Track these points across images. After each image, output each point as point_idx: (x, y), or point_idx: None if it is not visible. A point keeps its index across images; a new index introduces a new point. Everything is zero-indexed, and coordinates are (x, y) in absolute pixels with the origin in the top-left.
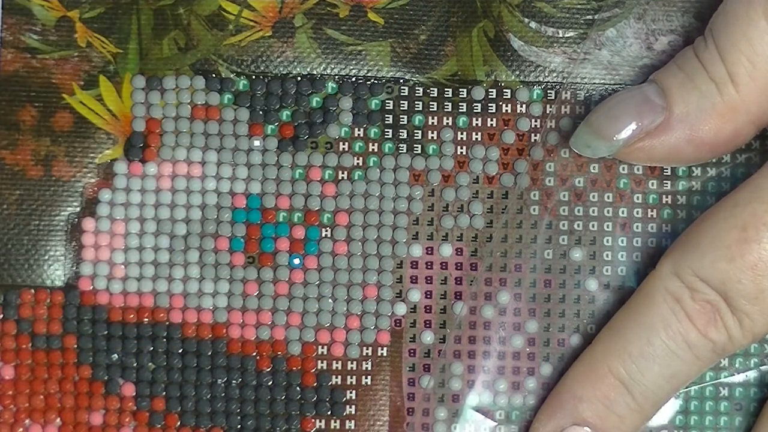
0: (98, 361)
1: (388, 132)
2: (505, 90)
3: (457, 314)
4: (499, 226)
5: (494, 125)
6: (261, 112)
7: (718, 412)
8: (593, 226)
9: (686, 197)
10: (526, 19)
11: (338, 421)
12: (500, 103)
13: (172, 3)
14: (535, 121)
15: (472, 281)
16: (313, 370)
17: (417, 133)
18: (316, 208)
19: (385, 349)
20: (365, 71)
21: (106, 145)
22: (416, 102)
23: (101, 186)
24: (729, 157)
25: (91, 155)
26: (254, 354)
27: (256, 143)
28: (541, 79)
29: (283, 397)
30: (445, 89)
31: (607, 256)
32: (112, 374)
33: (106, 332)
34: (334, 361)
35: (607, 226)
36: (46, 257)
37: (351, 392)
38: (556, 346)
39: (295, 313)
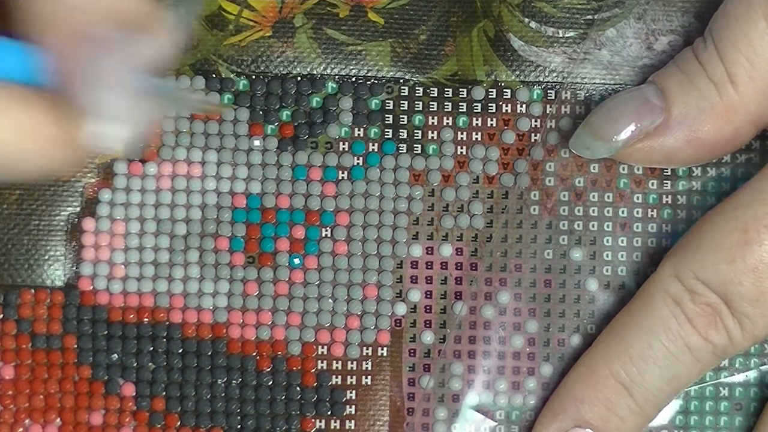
0: (98, 361)
1: (388, 132)
2: (505, 90)
3: (457, 314)
4: (499, 226)
5: (494, 125)
6: (261, 112)
7: (718, 412)
8: (593, 226)
9: (686, 197)
10: (526, 19)
11: (338, 421)
12: (500, 103)
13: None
14: (535, 121)
15: (472, 281)
16: (313, 370)
17: (417, 133)
18: (316, 208)
19: (385, 349)
20: (365, 71)
21: None
22: (416, 102)
23: (101, 186)
24: (729, 157)
25: (91, 155)
26: (254, 354)
27: (256, 143)
28: (541, 79)
29: (283, 397)
30: (445, 89)
31: (607, 256)
32: (112, 374)
33: (106, 332)
34: (334, 361)
35: (607, 226)
36: (46, 257)
37: (351, 392)
38: (556, 346)
39: (295, 313)
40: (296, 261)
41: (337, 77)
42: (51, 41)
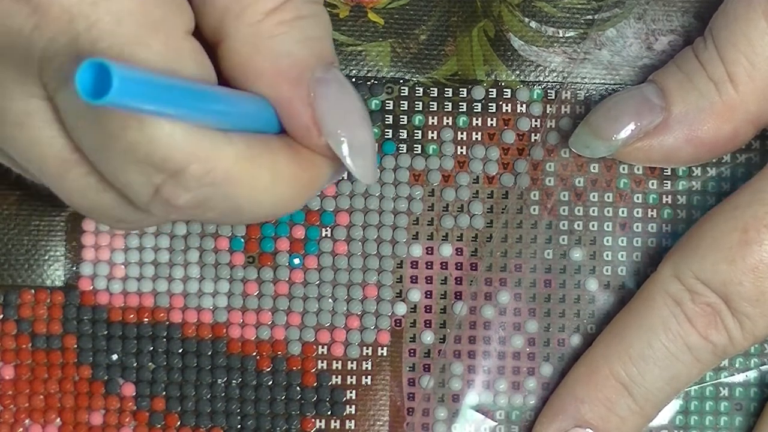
0: (98, 361)
1: (388, 132)
2: (505, 90)
3: (457, 314)
4: (499, 226)
5: (494, 125)
6: None
7: (718, 412)
8: (593, 226)
9: (686, 197)
10: (526, 19)
11: (338, 421)
12: (500, 103)
13: None
14: (535, 121)
15: (472, 281)
16: (313, 370)
17: (417, 133)
18: (316, 208)
19: (385, 349)
20: (365, 71)
21: None
22: (416, 102)
23: None
24: (729, 157)
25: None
26: (254, 354)
27: None
28: (541, 79)
29: (283, 397)
30: (445, 89)
31: (607, 256)
32: (112, 374)
33: (106, 332)
34: (334, 361)
35: (607, 226)
36: (46, 257)
37: (351, 392)
38: (556, 346)
39: (295, 313)
40: (296, 261)
41: None
42: (273, 88)
